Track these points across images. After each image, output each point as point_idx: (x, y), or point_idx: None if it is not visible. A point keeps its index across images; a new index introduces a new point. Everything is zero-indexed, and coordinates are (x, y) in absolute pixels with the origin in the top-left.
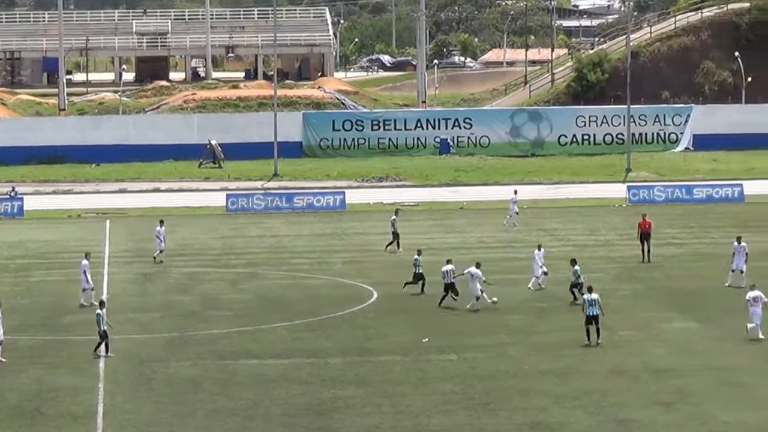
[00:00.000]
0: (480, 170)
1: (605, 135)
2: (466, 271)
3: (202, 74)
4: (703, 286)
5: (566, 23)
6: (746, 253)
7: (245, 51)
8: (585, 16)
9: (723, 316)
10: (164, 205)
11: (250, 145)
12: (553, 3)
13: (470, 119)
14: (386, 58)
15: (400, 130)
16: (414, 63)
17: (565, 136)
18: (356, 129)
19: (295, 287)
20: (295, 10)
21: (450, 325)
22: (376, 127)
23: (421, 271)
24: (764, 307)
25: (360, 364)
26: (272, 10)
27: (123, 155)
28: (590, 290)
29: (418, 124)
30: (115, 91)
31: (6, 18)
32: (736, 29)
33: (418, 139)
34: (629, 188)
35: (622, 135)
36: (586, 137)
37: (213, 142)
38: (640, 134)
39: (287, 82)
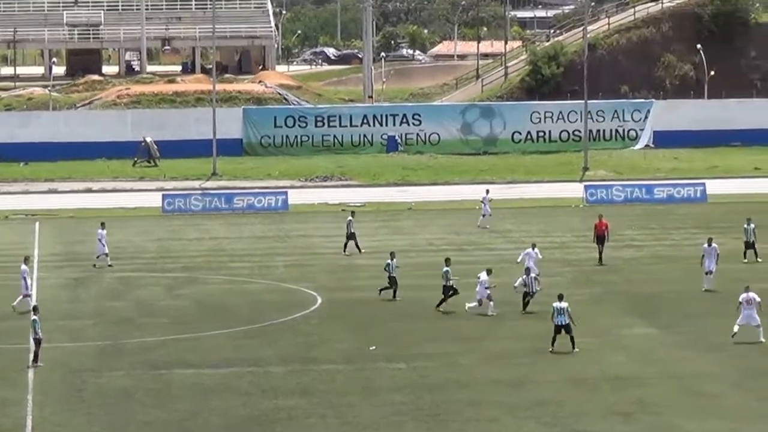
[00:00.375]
0: (429, 169)
1: (561, 132)
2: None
3: (137, 68)
4: (664, 291)
5: (520, 14)
6: (717, 254)
7: (182, 43)
8: (540, 6)
9: (685, 321)
10: (97, 206)
11: (187, 143)
12: None
13: (419, 115)
14: (331, 51)
15: (346, 126)
16: (360, 56)
17: (519, 133)
18: (299, 126)
19: (235, 293)
20: (236, 0)
21: (398, 333)
22: (320, 124)
23: (395, 275)
24: (759, 309)
25: (303, 373)
26: (211, 0)
27: (53, 153)
28: (560, 298)
29: (365, 121)
30: (45, 86)
31: None
32: (698, 21)
33: (365, 136)
34: (586, 188)
35: (579, 132)
36: (541, 134)
37: (148, 140)
38: (598, 131)
39: (226, 76)
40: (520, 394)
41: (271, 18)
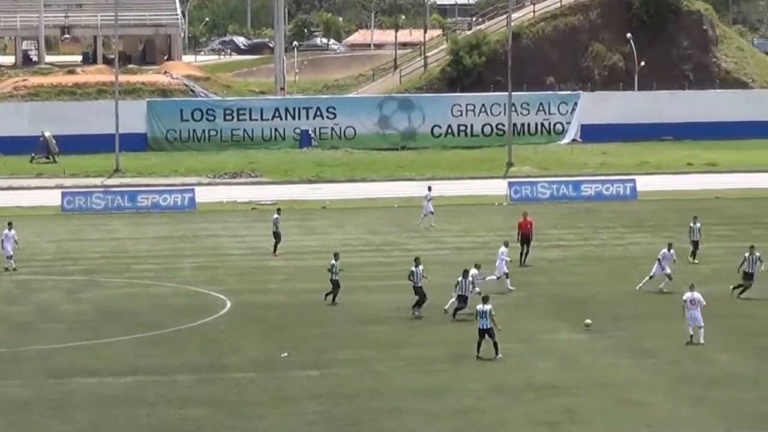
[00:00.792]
0: (345, 165)
1: (484, 125)
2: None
3: (35, 58)
4: (592, 293)
5: (440, 1)
6: (674, 260)
7: (83, 32)
8: None
9: (614, 325)
10: None
11: (88, 138)
12: None
13: (334, 108)
14: (240, 40)
15: (256, 120)
16: (271, 45)
17: (440, 127)
18: (207, 119)
19: (139, 296)
20: None
21: (311, 339)
22: (229, 117)
23: (337, 278)
24: (702, 310)
25: (212, 381)
26: None
27: None
28: (485, 300)
29: (276, 114)
30: None
31: None
32: (629, 8)
33: (276, 130)
34: (510, 184)
35: (503, 125)
36: (462, 128)
37: (47, 135)
38: (523, 125)
39: (130, 66)
40: (441, 402)
41: (177, 5)
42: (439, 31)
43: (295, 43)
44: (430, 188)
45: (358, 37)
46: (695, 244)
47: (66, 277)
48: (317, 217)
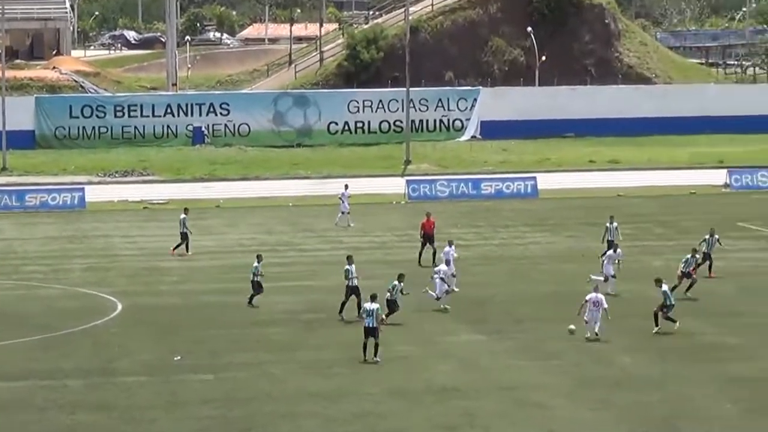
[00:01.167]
0: (239, 163)
1: (381, 122)
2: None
3: None
4: (493, 294)
5: None
6: (619, 261)
7: None
8: None
9: (515, 327)
10: None
11: None
12: None
13: (227, 104)
14: (131, 35)
15: (148, 117)
16: (163, 40)
17: (336, 124)
18: (97, 116)
19: (28, 298)
20: None
21: (205, 342)
22: (119, 114)
23: (259, 279)
24: (604, 312)
25: (103, 386)
26: None
27: None
28: (372, 299)
29: (168, 111)
30: None
31: None
32: (529, 2)
33: (168, 127)
34: (409, 183)
35: (401, 122)
36: (359, 125)
37: None
38: (421, 121)
39: (17, 61)
40: (338, 406)
41: None
42: (335, 25)
43: (187, 37)
44: (346, 186)
45: (252, 31)
46: (610, 243)
47: None
48: (211, 216)
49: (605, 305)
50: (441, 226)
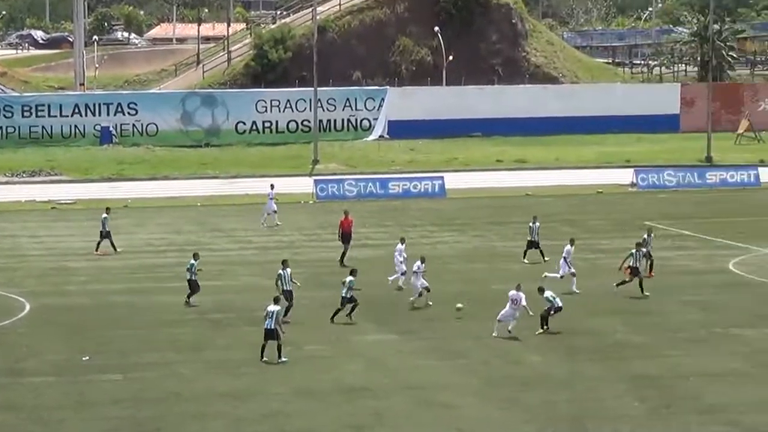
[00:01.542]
0: (147, 163)
1: (289, 122)
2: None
3: None
4: (401, 293)
5: None
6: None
7: None
8: None
9: (424, 326)
10: None
11: None
12: None
13: (135, 104)
14: (39, 34)
15: (55, 116)
16: (71, 39)
17: (244, 123)
18: (4, 116)
19: None
20: None
21: (113, 342)
22: (27, 114)
23: (195, 278)
24: (522, 310)
25: (9, 386)
26: None
27: None
28: (275, 301)
29: (76, 110)
30: None
31: None
32: (436, 2)
33: (76, 127)
34: (317, 182)
35: (309, 122)
36: (267, 124)
37: None
38: (329, 121)
39: None
40: (247, 406)
41: None
42: (242, 25)
43: (95, 37)
44: (272, 186)
45: (160, 31)
46: (532, 243)
47: None
48: (119, 216)
49: (524, 303)
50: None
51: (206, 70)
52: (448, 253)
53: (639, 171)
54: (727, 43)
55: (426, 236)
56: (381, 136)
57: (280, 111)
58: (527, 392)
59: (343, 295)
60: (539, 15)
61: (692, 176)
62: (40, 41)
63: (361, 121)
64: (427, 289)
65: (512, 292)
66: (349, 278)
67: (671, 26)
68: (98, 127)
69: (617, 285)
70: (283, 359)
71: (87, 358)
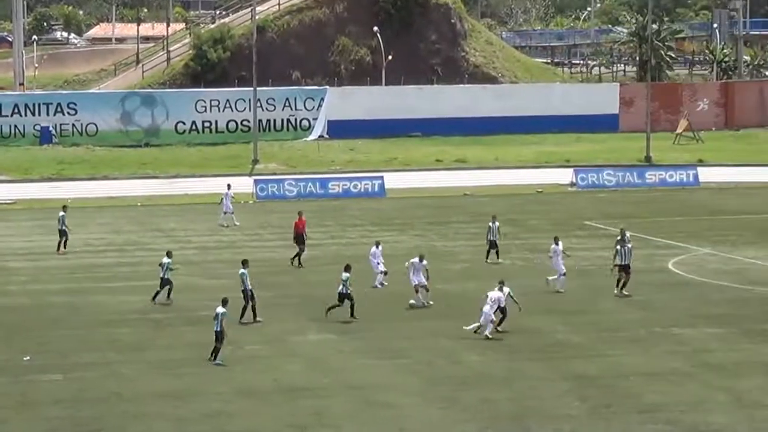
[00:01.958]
0: (87, 162)
1: (229, 122)
2: (407, 264)
3: None
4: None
5: None
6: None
7: None
8: None
9: (364, 326)
10: None
11: None
12: None
13: (75, 104)
14: None
15: None
16: (10, 39)
17: (183, 123)
18: None
19: None
20: None
21: (54, 342)
22: None
23: (168, 276)
24: (500, 311)
25: None
26: None
27: None
28: (224, 303)
29: (15, 110)
30: None
31: None
32: (375, 2)
33: (16, 127)
34: (256, 182)
35: (248, 121)
36: (207, 124)
37: None
38: (269, 121)
39: None
40: (188, 406)
41: None
42: (182, 25)
43: (34, 37)
44: (229, 186)
45: (99, 30)
46: (493, 244)
47: None
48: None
49: (503, 304)
50: (289, 226)
51: (146, 70)
52: (388, 253)
53: (578, 171)
54: (666, 43)
55: (366, 236)
56: (321, 136)
57: (219, 111)
58: (467, 391)
59: (340, 291)
60: (478, 15)
61: (632, 176)
62: None
63: (301, 121)
64: (426, 289)
65: (491, 293)
66: (345, 275)
67: (610, 26)
68: (38, 127)
69: (621, 289)
70: (218, 362)
71: (28, 358)
